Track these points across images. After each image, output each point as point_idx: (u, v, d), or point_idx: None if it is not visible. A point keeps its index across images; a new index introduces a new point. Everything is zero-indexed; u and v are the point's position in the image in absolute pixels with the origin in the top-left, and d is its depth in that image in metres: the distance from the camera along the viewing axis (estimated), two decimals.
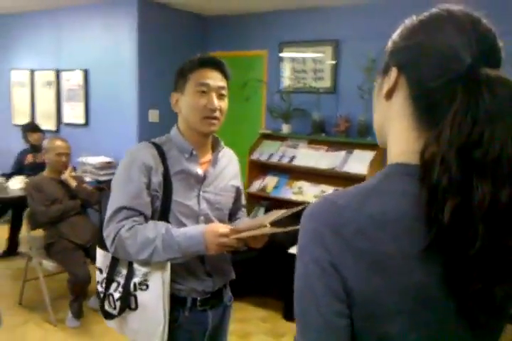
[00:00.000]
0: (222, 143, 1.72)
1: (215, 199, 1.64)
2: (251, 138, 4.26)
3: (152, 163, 1.53)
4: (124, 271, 1.54)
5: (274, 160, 4.01)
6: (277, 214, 1.48)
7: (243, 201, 1.85)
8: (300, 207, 1.47)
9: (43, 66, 5.39)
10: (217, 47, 4.97)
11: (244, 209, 1.87)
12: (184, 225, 1.55)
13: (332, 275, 0.67)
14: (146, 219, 1.53)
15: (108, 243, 1.51)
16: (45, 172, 3.58)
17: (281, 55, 4.53)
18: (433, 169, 0.64)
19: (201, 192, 1.60)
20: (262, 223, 1.50)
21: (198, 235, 1.45)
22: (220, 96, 1.58)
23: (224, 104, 1.59)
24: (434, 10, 0.72)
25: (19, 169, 4.76)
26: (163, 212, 1.54)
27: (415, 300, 0.65)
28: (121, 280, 1.53)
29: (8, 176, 4.45)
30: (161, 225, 1.49)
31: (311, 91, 4.27)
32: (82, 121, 5.03)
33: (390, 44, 0.78)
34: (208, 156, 1.67)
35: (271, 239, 1.58)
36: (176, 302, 1.55)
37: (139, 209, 1.50)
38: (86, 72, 4.95)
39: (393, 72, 0.74)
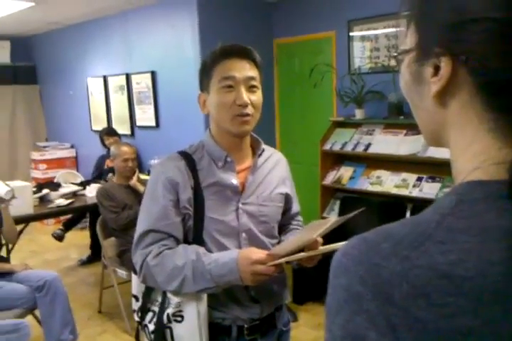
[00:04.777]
0: (263, 145, 1.49)
1: (259, 211, 1.41)
2: (322, 128, 3.96)
3: (179, 177, 1.34)
4: (160, 299, 1.37)
5: (348, 149, 3.69)
6: (326, 224, 1.22)
7: (296, 208, 1.60)
8: (353, 214, 1.22)
9: (114, 71, 5.44)
10: (283, 33, 4.68)
11: (299, 218, 1.62)
12: (222, 245, 1.34)
13: None
14: (178, 241, 1.34)
15: (137, 270, 1.35)
16: (115, 179, 3.58)
17: (351, 34, 4.16)
18: None
19: (240, 205, 1.38)
20: (309, 238, 1.26)
21: (231, 262, 1.23)
22: (251, 89, 1.34)
23: (256, 97, 1.35)
24: None
25: (99, 174, 4.87)
26: (196, 232, 1.35)
27: None
28: (157, 310, 1.37)
29: (88, 183, 4.54)
30: (192, 250, 1.29)
31: (386, 71, 3.85)
32: (152, 123, 5.01)
33: (427, 13, 0.51)
34: (248, 162, 1.44)
35: (326, 254, 1.32)
36: (220, 331, 1.35)
37: (167, 232, 1.32)
38: (153, 74, 4.90)
39: (445, 65, 0.48)
